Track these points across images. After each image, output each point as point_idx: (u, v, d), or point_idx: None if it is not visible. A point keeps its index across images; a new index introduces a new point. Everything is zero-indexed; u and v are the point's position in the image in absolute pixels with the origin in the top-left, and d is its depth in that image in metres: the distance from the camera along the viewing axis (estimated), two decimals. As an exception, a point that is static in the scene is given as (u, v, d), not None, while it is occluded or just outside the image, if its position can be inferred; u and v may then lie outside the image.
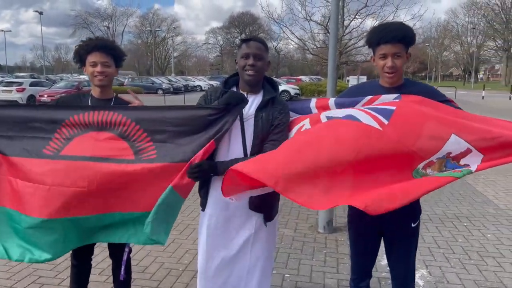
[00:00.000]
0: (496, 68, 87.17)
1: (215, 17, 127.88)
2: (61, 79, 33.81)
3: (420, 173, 1.93)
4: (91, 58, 2.39)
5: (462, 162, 1.94)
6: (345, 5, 10.92)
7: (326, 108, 2.35)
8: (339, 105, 2.31)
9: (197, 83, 41.58)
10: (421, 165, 1.93)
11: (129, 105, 2.44)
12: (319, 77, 46.72)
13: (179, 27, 69.30)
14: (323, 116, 2.21)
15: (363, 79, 14.78)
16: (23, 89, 22.52)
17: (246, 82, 2.25)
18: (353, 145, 1.93)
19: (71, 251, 2.57)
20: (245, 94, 2.25)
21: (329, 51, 4.51)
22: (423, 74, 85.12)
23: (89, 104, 2.45)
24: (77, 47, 2.44)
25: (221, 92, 2.28)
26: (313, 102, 2.40)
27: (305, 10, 10.04)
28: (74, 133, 2.20)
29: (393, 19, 9.98)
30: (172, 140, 2.15)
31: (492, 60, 71.08)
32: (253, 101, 2.27)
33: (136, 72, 60.74)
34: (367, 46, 2.45)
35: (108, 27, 59.88)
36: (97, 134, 2.18)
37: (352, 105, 2.26)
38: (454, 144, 1.93)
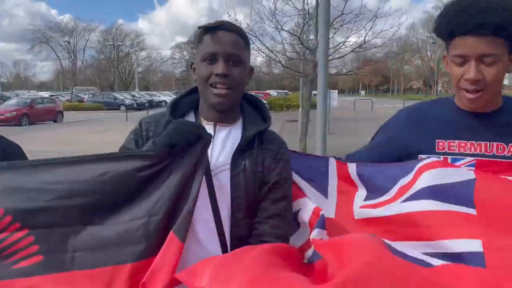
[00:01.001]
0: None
1: (180, 32, 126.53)
2: (17, 95, 31.60)
3: None
4: None
5: None
6: (318, 15, 10.16)
7: (347, 180, 1.36)
8: (366, 180, 1.35)
9: (162, 98, 40.29)
10: None
11: None
12: (286, 91, 46.65)
13: (143, 41, 67.50)
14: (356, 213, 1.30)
15: (334, 93, 14.09)
16: (-31, 107, 20.65)
17: (213, 106, 1.25)
18: None
19: None
20: (210, 126, 1.26)
21: (318, 63, 3.62)
22: (385, 87, 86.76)
23: None
24: None
25: (166, 123, 1.26)
26: (332, 163, 1.39)
27: (275, 18, 9.16)
28: None
29: (371, 28, 9.20)
30: (69, 225, 1.09)
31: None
32: (227, 139, 1.27)
33: (97, 87, 58.40)
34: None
35: (68, 42, 57.26)
36: None
37: (387, 185, 1.29)
38: None
